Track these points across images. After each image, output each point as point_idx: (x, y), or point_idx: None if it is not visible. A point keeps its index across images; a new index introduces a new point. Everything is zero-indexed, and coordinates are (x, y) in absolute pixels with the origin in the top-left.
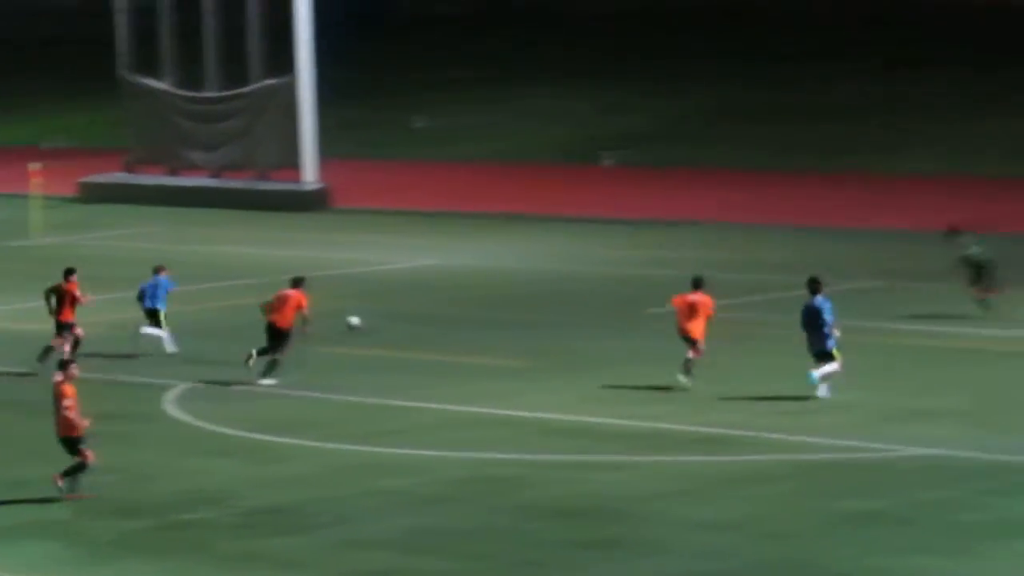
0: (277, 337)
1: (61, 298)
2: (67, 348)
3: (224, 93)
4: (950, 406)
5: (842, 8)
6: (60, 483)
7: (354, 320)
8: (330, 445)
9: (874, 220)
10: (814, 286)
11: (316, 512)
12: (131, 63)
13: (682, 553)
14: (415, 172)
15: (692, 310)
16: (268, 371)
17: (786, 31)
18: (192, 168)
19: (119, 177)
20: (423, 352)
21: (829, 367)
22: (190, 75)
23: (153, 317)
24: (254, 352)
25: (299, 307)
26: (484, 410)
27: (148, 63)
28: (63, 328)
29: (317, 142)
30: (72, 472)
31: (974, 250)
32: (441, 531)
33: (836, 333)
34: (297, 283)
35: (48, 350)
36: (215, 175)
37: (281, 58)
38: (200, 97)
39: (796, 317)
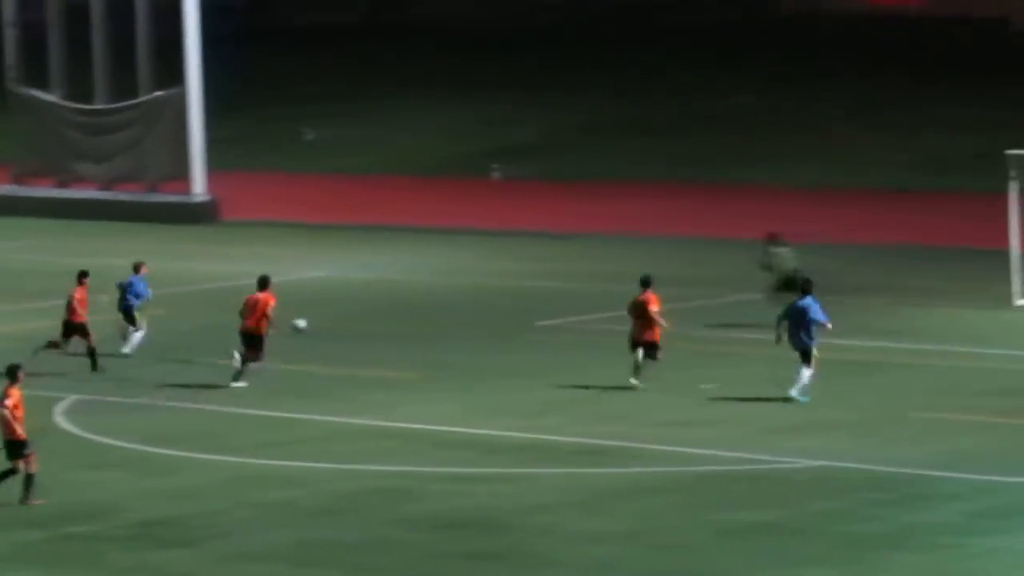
0: (252, 343)
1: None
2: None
3: (113, 105)
4: (838, 418)
5: (725, 21)
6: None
7: (300, 323)
8: (219, 457)
9: (759, 231)
10: (805, 286)
11: (205, 524)
12: (20, 76)
13: (570, 565)
14: (304, 184)
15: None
16: (237, 376)
17: (671, 44)
18: (82, 180)
19: (8, 189)
20: (311, 364)
21: (807, 373)
22: (79, 87)
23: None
24: (237, 354)
25: (265, 309)
26: (372, 422)
27: (37, 76)
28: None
29: (206, 154)
30: (6, 476)
31: (784, 259)
32: (329, 543)
33: (828, 326)
34: (264, 285)
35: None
36: (104, 187)
37: (170, 70)
38: (89, 109)
39: (686, 329)
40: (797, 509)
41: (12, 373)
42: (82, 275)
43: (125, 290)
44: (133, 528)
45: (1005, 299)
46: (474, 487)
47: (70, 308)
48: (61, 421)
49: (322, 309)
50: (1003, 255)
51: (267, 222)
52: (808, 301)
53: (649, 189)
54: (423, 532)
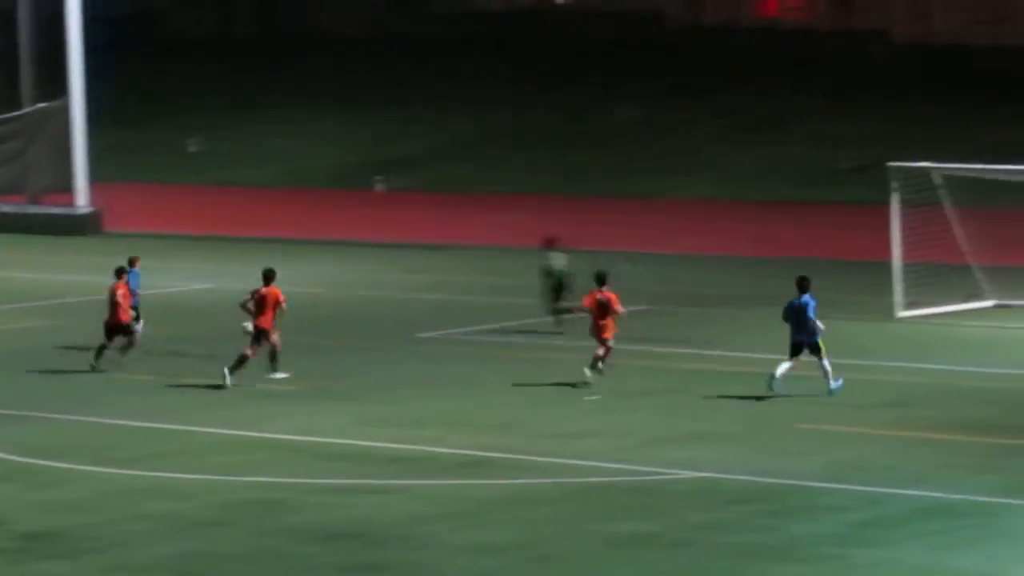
0: (262, 336)
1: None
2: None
3: None
4: (723, 429)
5: (619, 35)
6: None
7: (249, 326)
8: (103, 469)
9: (649, 244)
10: (803, 284)
11: (88, 536)
12: None
13: None
14: (189, 196)
15: (602, 309)
16: (272, 367)
17: (555, 58)
18: None
19: None
20: (196, 376)
21: (826, 362)
22: None
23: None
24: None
25: (277, 302)
26: (255, 434)
27: None
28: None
29: (90, 166)
30: None
31: (557, 264)
32: (210, 555)
33: (821, 327)
34: (269, 278)
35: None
36: None
37: (53, 82)
38: None
39: (569, 341)
40: (682, 520)
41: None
42: (120, 271)
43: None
44: (16, 540)
45: (887, 311)
46: (356, 499)
47: (113, 306)
48: None
49: (207, 321)
50: (882, 266)
51: (151, 234)
52: (807, 299)
53: (532, 202)
54: (304, 544)
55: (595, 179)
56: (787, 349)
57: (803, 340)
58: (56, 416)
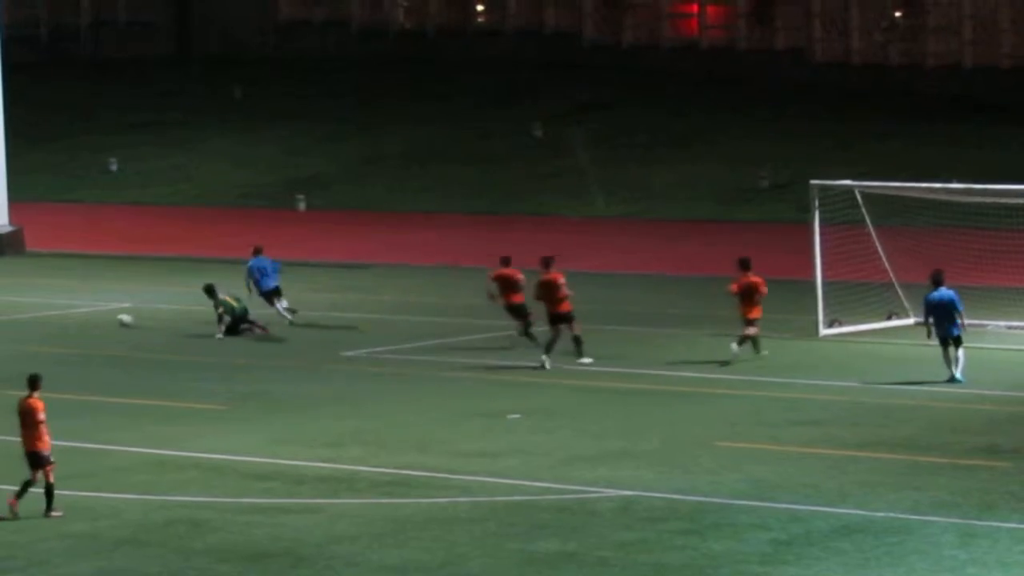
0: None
1: None
2: None
3: None
4: (643, 448)
5: (537, 51)
6: (16, 508)
7: (126, 318)
8: (14, 489)
9: (569, 262)
10: (938, 278)
11: (7, 556)
12: None
13: None
14: (109, 215)
15: (749, 291)
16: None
17: (477, 74)
18: None
19: None
20: (114, 395)
21: (962, 356)
22: None
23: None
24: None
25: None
26: (177, 453)
27: None
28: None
29: (9, 185)
30: (51, 495)
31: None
32: (132, 574)
33: (962, 322)
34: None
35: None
36: None
37: None
38: None
39: (486, 360)
40: (603, 539)
41: (34, 383)
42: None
43: (261, 273)
44: None
45: (809, 329)
46: (278, 518)
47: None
48: None
49: (129, 339)
50: (802, 285)
51: (72, 253)
52: (951, 293)
53: (448, 219)
54: (226, 563)
55: (513, 197)
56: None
57: (951, 333)
58: None
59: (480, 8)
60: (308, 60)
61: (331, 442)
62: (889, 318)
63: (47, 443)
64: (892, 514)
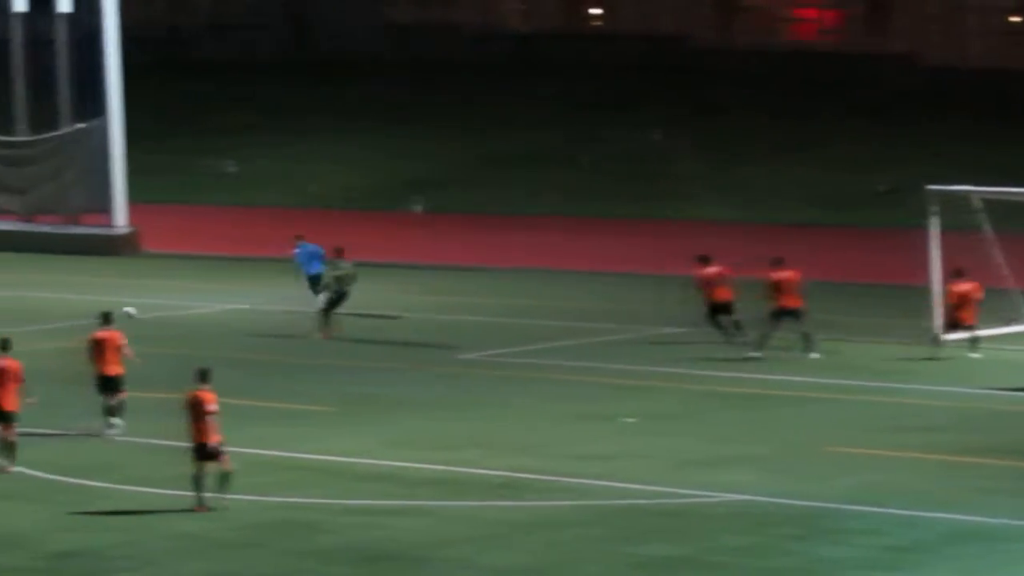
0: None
1: None
2: None
3: (34, 137)
4: (755, 452)
5: (646, 55)
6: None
7: (131, 310)
8: (135, 488)
9: (672, 267)
10: None
11: (118, 556)
12: None
13: None
14: (224, 217)
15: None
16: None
17: (587, 77)
18: (1, 212)
19: None
20: (229, 396)
21: None
22: (0, 119)
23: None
24: None
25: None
26: (288, 454)
27: None
28: None
29: (126, 186)
30: (226, 482)
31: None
32: None
33: None
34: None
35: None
36: (25, 219)
37: (90, 102)
38: (9, 141)
39: (600, 364)
40: (712, 543)
41: (204, 376)
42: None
43: (308, 259)
44: (47, 560)
45: (925, 335)
46: (389, 520)
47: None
48: None
49: (243, 341)
50: (916, 290)
51: (188, 255)
52: None
53: (566, 223)
54: (336, 565)
55: (625, 200)
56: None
57: None
58: (87, 436)
59: (593, 11)
60: (422, 63)
61: (444, 445)
62: (1008, 324)
63: (215, 435)
64: (1007, 521)
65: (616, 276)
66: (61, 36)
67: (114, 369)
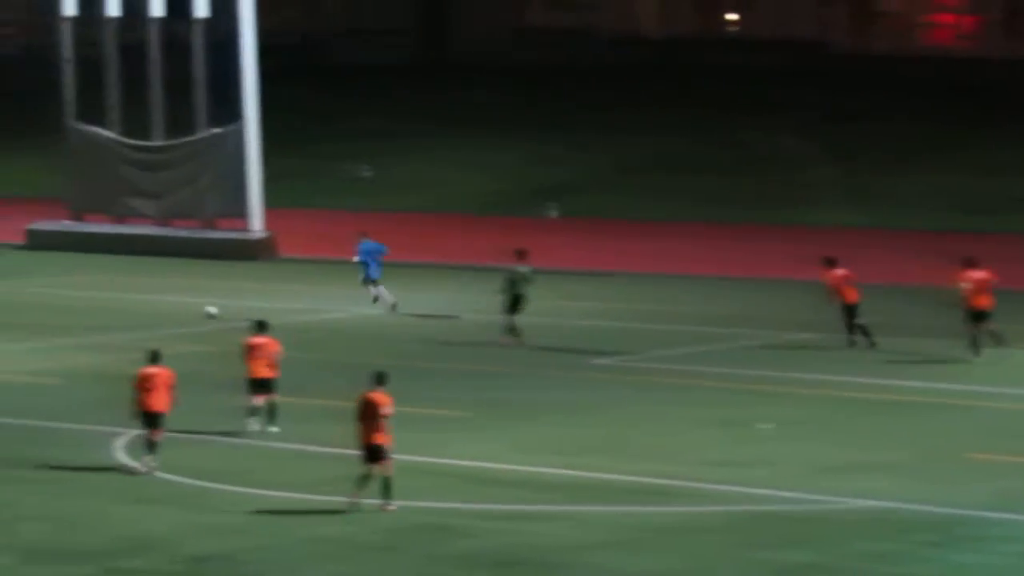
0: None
1: None
2: None
3: (170, 142)
4: (893, 459)
5: (782, 61)
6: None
7: (212, 310)
8: (272, 493)
9: (806, 272)
10: None
11: (255, 560)
12: (77, 111)
13: None
14: (358, 221)
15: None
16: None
17: (722, 83)
18: (137, 216)
19: (66, 225)
20: None
21: None
22: (136, 124)
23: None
24: None
25: None
26: (422, 459)
27: (94, 111)
28: None
29: (263, 191)
30: (386, 487)
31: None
32: None
33: None
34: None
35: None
36: (161, 223)
37: (226, 107)
38: (146, 146)
39: (735, 369)
40: (849, 550)
41: (381, 379)
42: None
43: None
44: (184, 563)
45: None
46: (524, 525)
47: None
48: (119, 456)
49: (376, 346)
50: None
51: (323, 259)
52: None
53: (696, 229)
54: (472, 570)
55: (761, 206)
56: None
57: None
58: (224, 440)
59: (731, 17)
60: (557, 67)
61: (580, 450)
62: None
63: (387, 437)
64: None
65: (750, 281)
66: (197, 41)
67: (265, 372)
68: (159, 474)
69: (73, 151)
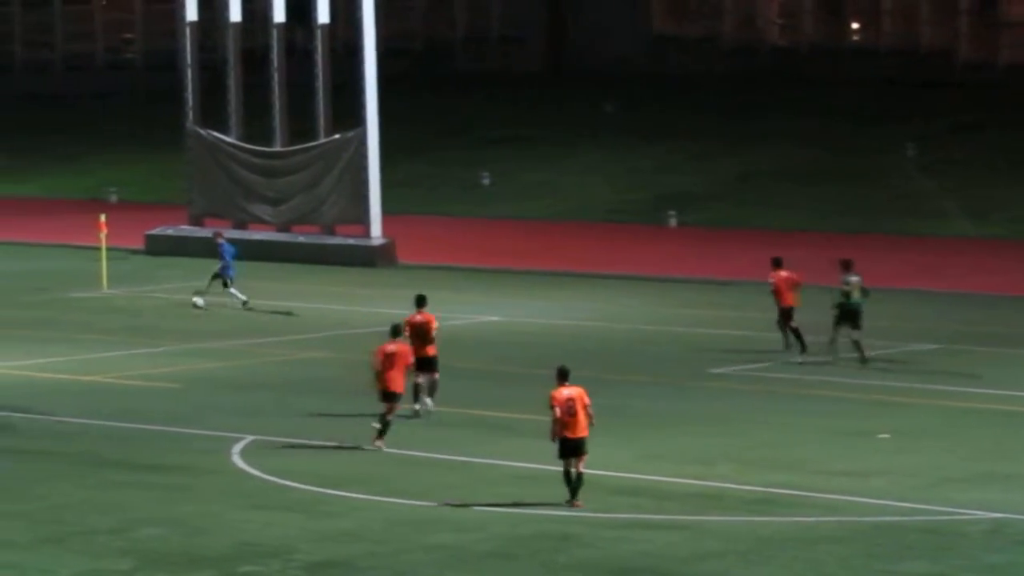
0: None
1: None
2: None
3: (291, 148)
4: (1006, 469)
5: (906, 70)
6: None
7: (199, 300)
8: (391, 500)
9: (937, 282)
10: None
11: (373, 566)
12: (197, 116)
13: None
14: (478, 229)
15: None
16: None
17: (845, 92)
18: (256, 222)
19: (185, 230)
20: (483, 408)
21: None
22: (256, 129)
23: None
24: None
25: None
26: (542, 467)
27: (214, 117)
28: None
29: (382, 197)
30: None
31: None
32: None
33: None
34: None
35: None
36: (281, 229)
37: (347, 113)
38: (267, 152)
39: (855, 380)
40: (969, 562)
41: (565, 374)
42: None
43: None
44: (301, 570)
45: None
46: (644, 534)
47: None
48: (237, 461)
49: (496, 353)
50: None
51: (442, 266)
52: None
53: (816, 238)
54: None
55: (883, 216)
56: None
57: None
58: (344, 446)
59: (855, 26)
60: (680, 76)
61: (698, 459)
62: None
63: (584, 431)
64: None
65: (871, 291)
66: (319, 47)
67: (428, 351)
68: (273, 479)
69: (193, 156)
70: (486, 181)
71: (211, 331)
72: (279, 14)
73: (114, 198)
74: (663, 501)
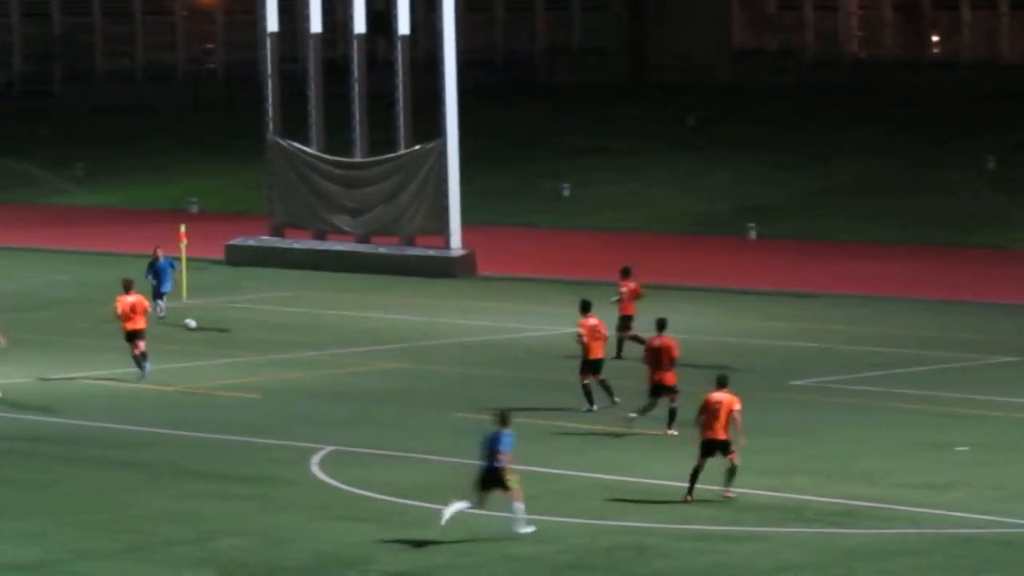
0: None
1: None
2: None
3: (371, 159)
4: None
5: (986, 83)
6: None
7: (191, 323)
8: (470, 511)
9: (1004, 295)
10: None
11: None
12: (278, 127)
13: None
14: (559, 240)
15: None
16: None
17: (932, 105)
18: (337, 232)
19: (265, 240)
20: (561, 419)
21: None
22: (336, 140)
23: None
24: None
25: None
26: (621, 478)
27: (295, 127)
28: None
29: (462, 208)
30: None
31: None
32: None
33: None
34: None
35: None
36: (362, 240)
37: (427, 124)
38: (347, 162)
39: (935, 392)
40: None
41: (723, 382)
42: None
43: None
44: None
45: None
46: (723, 546)
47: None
48: (316, 471)
49: (574, 364)
50: None
51: (523, 277)
52: None
53: (897, 250)
54: None
55: (963, 229)
56: None
57: None
58: (421, 457)
59: (936, 39)
60: (761, 89)
61: (778, 471)
62: None
63: (724, 434)
64: None
65: (950, 303)
66: (399, 58)
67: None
68: (349, 488)
69: (274, 167)
70: (567, 192)
71: (291, 342)
72: (360, 25)
73: (195, 208)
74: (742, 513)
